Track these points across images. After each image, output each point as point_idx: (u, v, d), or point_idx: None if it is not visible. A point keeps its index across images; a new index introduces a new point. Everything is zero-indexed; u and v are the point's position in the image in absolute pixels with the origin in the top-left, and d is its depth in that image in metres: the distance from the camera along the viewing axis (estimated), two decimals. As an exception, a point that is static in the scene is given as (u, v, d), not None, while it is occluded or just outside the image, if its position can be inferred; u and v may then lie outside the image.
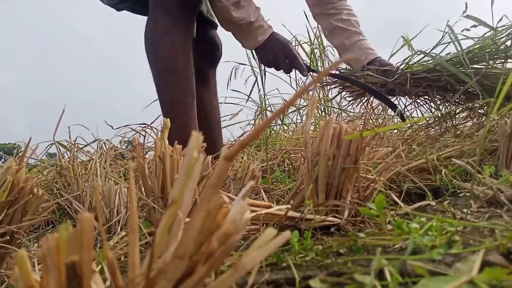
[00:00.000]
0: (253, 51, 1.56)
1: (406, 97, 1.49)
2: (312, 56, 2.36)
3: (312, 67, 1.51)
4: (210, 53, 1.62)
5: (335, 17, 1.64)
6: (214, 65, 1.66)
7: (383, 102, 1.50)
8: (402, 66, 1.45)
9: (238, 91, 2.38)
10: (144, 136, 1.57)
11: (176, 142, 0.69)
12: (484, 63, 1.28)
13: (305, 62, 1.51)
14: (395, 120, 1.64)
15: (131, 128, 1.53)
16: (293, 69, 1.49)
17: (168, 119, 0.71)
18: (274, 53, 1.44)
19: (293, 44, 2.34)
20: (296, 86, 2.35)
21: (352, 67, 1.63)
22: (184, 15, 1.37)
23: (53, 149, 1.53)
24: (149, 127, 1.54)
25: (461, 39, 1.29)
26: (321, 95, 2.22)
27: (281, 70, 1.49)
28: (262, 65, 1.56)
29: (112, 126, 1.55)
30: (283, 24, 2.28)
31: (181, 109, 1.34)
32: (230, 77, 2.41)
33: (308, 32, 2.35)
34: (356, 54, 1.58)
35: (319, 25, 1.77)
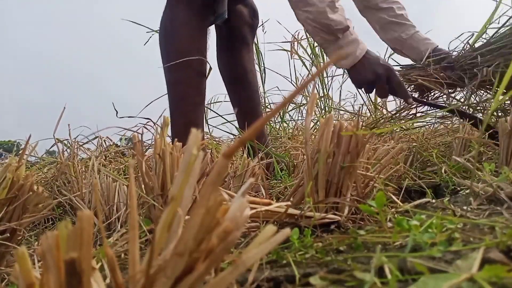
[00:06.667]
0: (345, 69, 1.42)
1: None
2: (311, 52, 2.35)
3: (413, 97, 1.41)
4: (251, 19, 1.57)
5: (388, 12, 1.60)
6: (253, 32, 1.62)
7: (467, 120, 1.29)
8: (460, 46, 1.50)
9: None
10: (143, 134, 1.56)
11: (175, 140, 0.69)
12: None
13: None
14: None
15: (133, 128, 1.51)
16: (390, 95, 1.35)
17: (171, 116, 0.69)
18: (377, 74, 1.27)
19: (291, 41, 2.35)
20: (296, 83, 2.34)
21: (412, 59, 1.60)
22: (205, 10, 1.33)
23: (52, 146, 1.53)
24: (152, 123, 1.53)
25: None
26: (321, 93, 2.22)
27: (374, 94, 1.36)
28: (356, 86, 1.39)
29: (116, 112, 1.50)
30: (278, 22, 2.28)
31: (191, 107, 1.29)
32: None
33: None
34: (416, 46, 1.57)
35: (367, 19, 1.66)
